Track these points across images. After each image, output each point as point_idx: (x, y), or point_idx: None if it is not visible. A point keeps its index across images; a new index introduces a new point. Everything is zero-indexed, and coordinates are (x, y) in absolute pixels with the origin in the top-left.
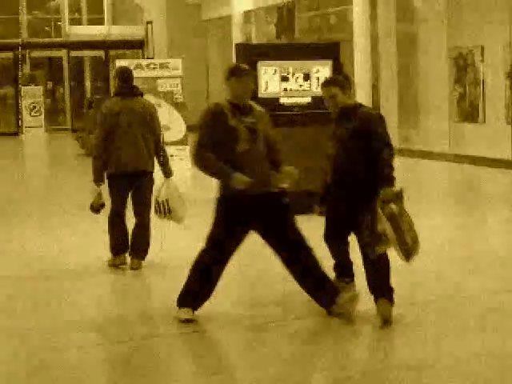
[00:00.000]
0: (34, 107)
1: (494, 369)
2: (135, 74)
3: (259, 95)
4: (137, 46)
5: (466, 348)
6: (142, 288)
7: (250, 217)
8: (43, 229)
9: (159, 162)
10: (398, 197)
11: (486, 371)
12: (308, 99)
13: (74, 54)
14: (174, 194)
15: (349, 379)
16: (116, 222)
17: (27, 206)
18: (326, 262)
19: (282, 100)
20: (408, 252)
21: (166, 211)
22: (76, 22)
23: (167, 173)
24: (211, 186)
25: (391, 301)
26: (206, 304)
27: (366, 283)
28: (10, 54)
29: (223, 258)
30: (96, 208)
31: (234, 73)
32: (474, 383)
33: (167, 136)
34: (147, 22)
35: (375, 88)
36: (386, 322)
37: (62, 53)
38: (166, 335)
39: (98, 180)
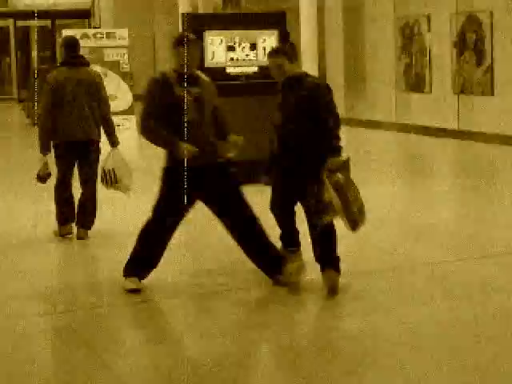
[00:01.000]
0: None
1: (440, 337)
2: (82, 43)
3: (206, 65)
4: (83, 15)
5: (413, 317)
6: (89, 258)
7: (195, 187)
8: None
9: (105, 131)
10: (345, 166)
11: (432, 340)
12: (254, 69)
13: (20, 23)
14: (121, 163)
15: (294, 348)
16: (62, 192)
17: None
18: (273, 231)
19: (229, 70)
20: (354, 222)
21: (112, 181)
22: None
23: (114, 142)
24: (158, 156)
25: (338, 270)
26: (153, 274)
27: (313, 253)
28: None
29: (169, 227)
30: (42, 177)
31: (180, 42)
32: (419, 352)
33: (114, 105)
34: None
35: (322, 57)
36: (333, 291)
37: (8, 22)
38: (113, 305)
39: (44, 149)
